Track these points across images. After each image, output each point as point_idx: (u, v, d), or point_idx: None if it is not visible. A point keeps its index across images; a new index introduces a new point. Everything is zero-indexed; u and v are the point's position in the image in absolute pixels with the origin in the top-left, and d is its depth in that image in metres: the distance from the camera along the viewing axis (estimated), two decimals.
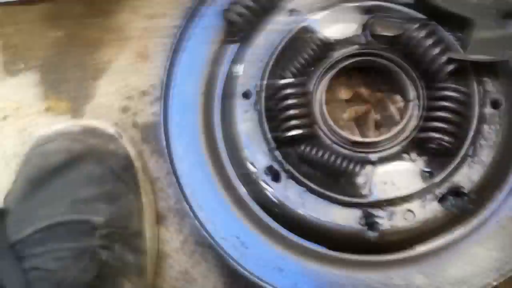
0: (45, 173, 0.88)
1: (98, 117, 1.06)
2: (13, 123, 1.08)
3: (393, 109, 0.93)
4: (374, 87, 0.95)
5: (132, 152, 0.96)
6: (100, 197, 0.88)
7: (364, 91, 0.95)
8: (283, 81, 0.86)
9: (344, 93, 0.95)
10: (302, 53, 0.87)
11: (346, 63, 0.87)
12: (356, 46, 0.87)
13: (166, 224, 0.99)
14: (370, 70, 0.92)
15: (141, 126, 1.05)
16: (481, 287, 0.76)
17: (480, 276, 0.77)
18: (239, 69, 0.91)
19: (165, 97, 0.92)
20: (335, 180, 0.83)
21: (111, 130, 0.97)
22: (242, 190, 0.87)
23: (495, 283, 0.76)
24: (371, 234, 0.79)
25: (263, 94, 0.87)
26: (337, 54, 0.88)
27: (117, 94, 1.07)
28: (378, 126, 0.94)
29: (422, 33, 0.83)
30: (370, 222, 0.79)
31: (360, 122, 0.94)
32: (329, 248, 0.82)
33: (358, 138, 0.86)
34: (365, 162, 0.83)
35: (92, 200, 0.87)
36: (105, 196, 0.88)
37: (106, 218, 0.86)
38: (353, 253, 0.81)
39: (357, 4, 0.88)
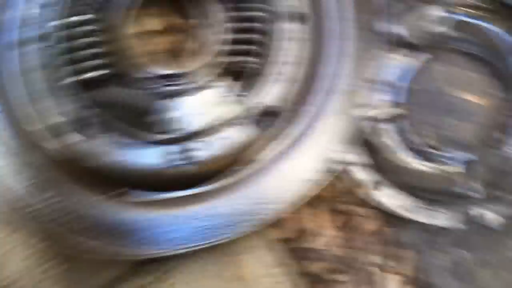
0: None
1: None
2: None
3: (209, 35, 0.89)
4: (187, 15, 0.90)
5: None
6: None
7: (177, 20, 0.90)
8: (75, 18, 0.78)
9: (155, 24, 0.89)
10: None
11: None
12: None
13: None
14: None
15: None
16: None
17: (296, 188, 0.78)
18: (34, 10, 0.81)
19: None
20: (147, 120, 0.79)
21: None
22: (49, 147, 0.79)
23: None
24: (190, 168, 0.76)
25: (62, 36, 0.78)
26: None
27: None
28: (196, 55, 0.89)
29: None
30: (187, 156, 0.76)
31: (176, 53, 0.89)
32: (151, 190, 0.78)
33: (165, 71, 0.81)
34: (176, 94, 0.79)
35: None
36: None
37: None
38: (178, 190, 0.79)
39: None
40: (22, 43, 0.80)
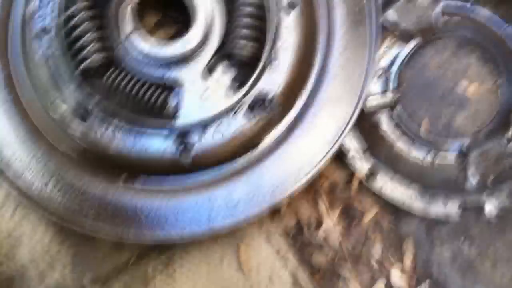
0: None
1: None
2: None
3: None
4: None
5: None
6: None
7: (173, 12, 0.90)
8: (74, 8, 0.78)
9: (153, 16, 0.89)
10: None
11: None
12: None
13: None
14: None
15: None
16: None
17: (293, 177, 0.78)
18: (34, 5, 0.81)
19: None
20: (148, 107, 0.79)
21: None
22: (54, 136, 0.80)
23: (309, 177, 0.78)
24: (185, 159, 0.76)
25: (62, 26, 0.79)
26: None
27: None
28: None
29: None
30: (182, 147, 0.76)
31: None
32: (152, 176, 0.78)
33: (166, 53, 0.80)
34: (174, 82, 0.79)
35: None
36: None
37: None
38: (177, 176, 0.78)
39: None
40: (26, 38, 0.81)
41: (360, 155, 0.88)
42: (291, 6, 0.79)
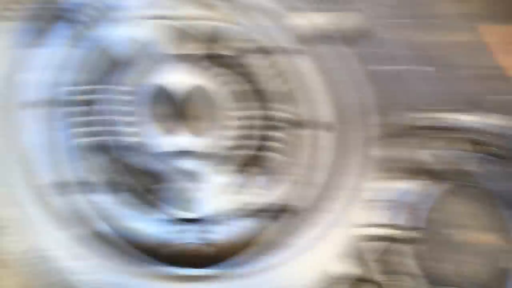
0: None
1: None
2: None
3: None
4: None
5: None
6: None
7: None
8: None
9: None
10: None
11: None
12: None
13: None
14: None
15: None
16: None
17: None
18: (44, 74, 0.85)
19: None
20: (164, 193, 0.81)
21: None
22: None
23: None
24: (204, 248, 0.77)
25: (75, 100, 0.84)
26: None
27: None
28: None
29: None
30: (201, 236, 0.78)
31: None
32: (164, 264, 0.79)
33: (188, 147, 0.83)
34: (196, 175, 0.81)
35: None
36: None
37: None
38: (190, 267, 0.80)
39: None
40: (35, 104, 0.83)
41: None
42: (326, 127, 0.83)
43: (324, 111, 0.85)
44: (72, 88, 0.84)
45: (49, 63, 0.86)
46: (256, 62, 0.87)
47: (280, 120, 0.83)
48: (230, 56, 0.86)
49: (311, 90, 0.85)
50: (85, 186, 0.80)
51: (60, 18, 0.88)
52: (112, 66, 0.86)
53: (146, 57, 0.86)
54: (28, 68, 0.86)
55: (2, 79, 0.86)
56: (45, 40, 0.88)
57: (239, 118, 0.85)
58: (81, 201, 0.80)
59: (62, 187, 0.80)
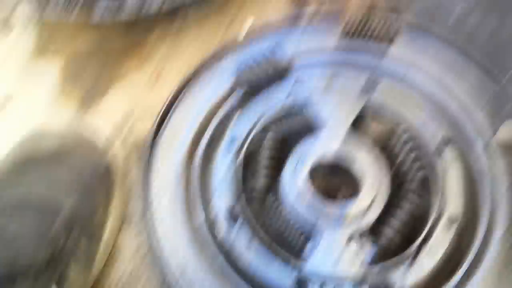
0: (31, 157, 0.95)
1: (101, 117, 1.14)
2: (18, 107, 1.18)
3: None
4: None
5: (118, 158, 1.03)
6: (74, 184, 0.94)
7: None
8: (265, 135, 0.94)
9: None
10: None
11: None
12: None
13: (127, 229, 1.05)
14: None
15: (135, 137, 1.13)
16: None
17: None
18: (236, 117, 0.99)
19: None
20: (284, 237, 0.88)
21: (104, 132, 1.04)
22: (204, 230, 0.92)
23: None
24: None
25: (246, 144, 0.95)
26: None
27: (124, 103, 1.15)
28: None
29: (405, 137, 0.91)
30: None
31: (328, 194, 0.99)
32: None
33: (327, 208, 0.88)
34: (317, 232, 0.88)
35: (66, 183, 0.93)
36: (80, 185, 0.95)
37: (75, 202, 0.91)
38: None
39: None
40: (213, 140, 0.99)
41: None
42: (451, 220, 0.86)
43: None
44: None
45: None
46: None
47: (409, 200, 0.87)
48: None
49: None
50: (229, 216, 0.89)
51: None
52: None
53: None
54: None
55: None
56: None
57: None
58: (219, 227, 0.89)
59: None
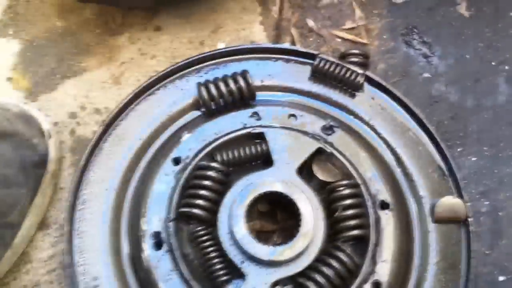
0: None
1: (47, 109, 1.08)
2: None
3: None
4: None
5: (52, 155, 0.98)
6: None
7: (279, 213, 1.00)
8: (210, 163, 0.91)
9: (262, 206, 0.99)
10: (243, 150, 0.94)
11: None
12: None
13: (46, 232, 0.99)
14: None
15: (76, 137, 1.07)
16: None
17: None
18: (185, 137, 0.96)
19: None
20: (207, 273, 0.85)
21: (45, 125, 0.99)
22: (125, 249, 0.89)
23: None
24: None
25: (189, 167, 0.91)
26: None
27: (74, 99, 1.10)
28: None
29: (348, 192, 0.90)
30: None
31: (259, 237, 0.96)
32: None
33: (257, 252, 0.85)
34: (241, 274, 0.85)
35: None
36: (2, 174, 0.88)
37: None
38: None
39: None
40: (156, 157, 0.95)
41: None
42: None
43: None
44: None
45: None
46: None
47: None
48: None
49: None
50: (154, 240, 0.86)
51: None
52: None
53: None
54: None
55: None
56: None
57: None
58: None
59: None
